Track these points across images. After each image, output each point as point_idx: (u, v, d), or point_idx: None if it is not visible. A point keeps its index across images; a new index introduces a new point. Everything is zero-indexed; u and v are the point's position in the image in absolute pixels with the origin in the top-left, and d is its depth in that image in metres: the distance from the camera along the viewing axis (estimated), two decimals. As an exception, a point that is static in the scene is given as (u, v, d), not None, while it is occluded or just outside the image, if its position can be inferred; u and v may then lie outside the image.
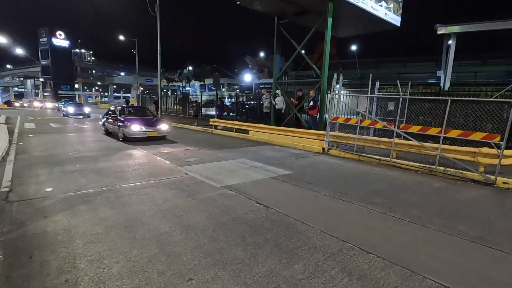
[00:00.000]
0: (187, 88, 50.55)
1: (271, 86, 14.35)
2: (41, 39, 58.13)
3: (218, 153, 8.29)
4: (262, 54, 34.58)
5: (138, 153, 8.06)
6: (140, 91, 39.84)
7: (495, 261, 2.89)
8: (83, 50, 69.29)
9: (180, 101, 24.86)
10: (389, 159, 7.16)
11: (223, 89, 58.32)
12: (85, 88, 73.19)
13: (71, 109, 23.11)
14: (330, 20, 10.09)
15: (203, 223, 3.55)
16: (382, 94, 9.18)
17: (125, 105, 15.45)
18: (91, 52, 72.08)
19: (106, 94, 78.03)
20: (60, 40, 58.86)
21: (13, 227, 3.31)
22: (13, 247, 2.89)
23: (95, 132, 13.10)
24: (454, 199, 4.87)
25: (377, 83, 9.14)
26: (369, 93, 8.55)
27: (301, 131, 10.05)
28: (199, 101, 21.37)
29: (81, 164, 6.54)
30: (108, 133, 12.02)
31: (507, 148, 5.65)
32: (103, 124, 12.44)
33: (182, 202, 4.29)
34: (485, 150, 5.80)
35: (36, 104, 40.93)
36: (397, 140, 7.14)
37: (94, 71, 71.87)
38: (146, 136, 9.97)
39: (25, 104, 43.08)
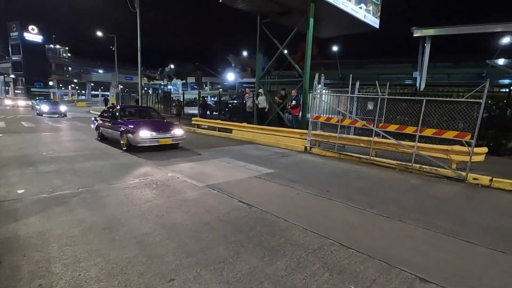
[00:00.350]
0: (169, 87, 49.61)
1: (254, 85, 14.38)
2: (11, 34, 54.95)
3: (201, 152, 8.21)
4: (245, 53, 34.53)
5: (118, 153, 7.83)
6: (119, 89, 38.67)
7: (466, 253, 3.05)
8: (58, 46, 66.26)
9: (162, 100, 24.37)
10: (368, 157, 7.36)
11: (206, 87, 57.74)
12: (61, 85, 70.13)
13: (45, 108, 21.71)
14: (312, 20, 10.24)
15: (185, 223, 3.50)
16: (362, 94, 9.43)
17: (125, 105, 13.97)
18: (67, 48, 69.12)
19: (84, 92, 75.19)
20: (33, 35, 55.95)
21: (-19, 232, 3.12)
22: (-19, 252, 2.73)
23: (73, 132, 12.60)
24: (429, 195, 5.09)
25: (357, 83, 9.39)
26: (349, 93, 8.78)
27: (284, 130, 10.14)
28: (181, 99, 21.04)
29: (57, 165, 6.27)
30: (103, 138, 9.82)
31: (477, 146, 5.96)
32: (97, 128, 10.19)
33: (164, 202, 4.22)
34: (457, 148, 6.10)
35: (8, 102, 38.74)
36: (376, 139, 7.35)
37: (70, 68, 68.92)
38: (157, 144, 7.92)
39: (2, 102, 40.70)
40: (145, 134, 7.69)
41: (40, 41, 57.39)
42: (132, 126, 7.93)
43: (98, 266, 2.54)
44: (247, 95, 13.32)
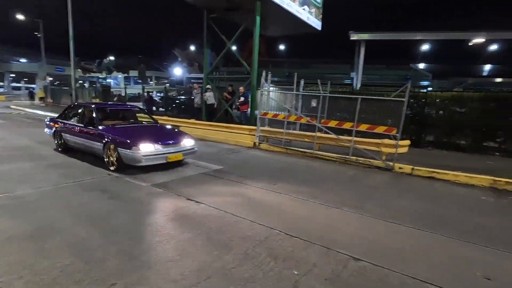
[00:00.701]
0: (109, 80, 45.69)
1: (202, 81, 14.10)
2: None
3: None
4: (192, 48, 33.51)
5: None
6: (48, 81, 34.35)
7: (393, 232, 3.48)
8: (-35, 29, 55.91)
9: (100, 94, 22.39)
10: (312, 151, 7.84)
11: (151, 82, 54.64)
12: (-30, 75, 59.42)
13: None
14: (258, 18, 10.41)
15: (128, 225, 3.32)
16: (306, 92, 9.95)
17: (102, 103, 10.99)
18: (-22, 32, 58.69)
19: (1, 83, 64.89)
20: None
21: None
22: None
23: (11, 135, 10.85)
24: (363, 184, 5.65)
25: (302, 82, 9.88)
26: (294, 90, 9.22)
27: (233, 126, 10.18)
28: (123, 94, 19.60)
29: None
30: (67, 149, 7.05)
31: (402, 139, 6.79)
32: (55, 134, 7.30)
33: (104, 204, 3.93)
34: (386, 141, 6.86)
35: None
36: (318, 134, 7.86)
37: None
38: (164, 162, 5.69)
39: None
40: (148, 147, 5.39)
41: None
42: (126, 136, 5.56)
43: (24, 279, 2.28)
44: (195, 91, 13.01)
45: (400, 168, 6.56)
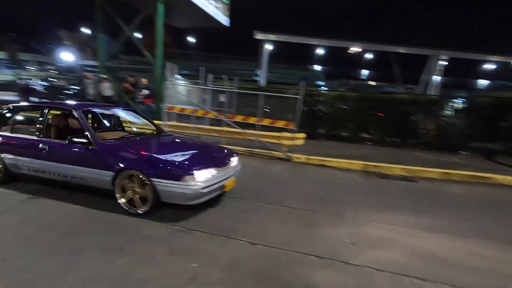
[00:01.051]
0: (-36, 62, 35.28)
1: (101, 70, 12.48)
2: None
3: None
4: (84, 30, 28.93)
5: None
6: None
7: (287, 216, 3.90)
8: None
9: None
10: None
11: (30, 68, 44.91)
12: None
13: None
14: (161, 6, 9.86)
15: (-11, 242, 2.71)
16: (213, 87, 10.02)
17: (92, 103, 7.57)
18: None
19: None
20: None
21: None
22: None
23: None
24: (266, 174, 6.14)
25: (210, 76, 9.89)
26: (203, 85, 9.16)
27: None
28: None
29: None
30: (10, 177, 4.33)
31: (299, 132, 7.63)
32: None
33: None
34: (286, 134, 7.59)
35: None
36: (226, 128, 8.06)
37: None
38: (220, 193, 4.01)
39: None
40: (204, 175, 3.49)
41: None
42: (164, 159, 3.60)
43: None
44: (88, 80, 11.40)
45: (297, 158, 7.37)
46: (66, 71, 32.72)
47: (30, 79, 17.93)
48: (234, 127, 7.98)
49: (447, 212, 4.49)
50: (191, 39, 36.25)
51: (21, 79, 14.64)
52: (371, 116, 10.48)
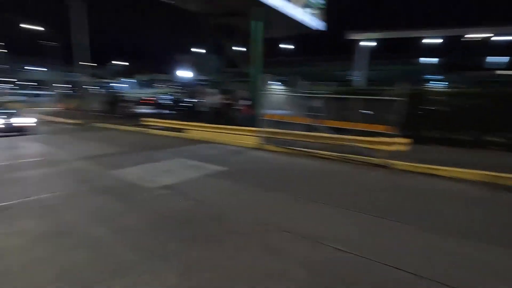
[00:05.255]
0: (118, 85, 46.78)
1: (208, 84, 14.49)
2: None
3: (154, 154, 8.18)
4: (197, 51, 34.13)
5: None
6: (62, 88, 35.45)
7: (376, 225, 3.73)
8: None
9: (109, 99, 23.06)
10: (315, 151, 8.10)
11: (158, 85, 55.58)
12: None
13: None
14: (259, 23, 10.72)
15: (138, 225, 3.67)
16: (309, 93, 10.18)
17: None
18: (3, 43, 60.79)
19: (21, 91, 66.75)
20: None
21: None
22: None
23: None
24: (360, 181, 5.88)
25: (305, 82, 10.12)
26: (297, 91, 9.48)
27: (238, 128, 10.49)
28: (131, 99, 20.18)
29: None
30: None
31: (402, 136, 6.98)
32: None
33: (116, 206, 4.29)
34: (385, 139, 7.06)
35: None
36: (320, 134, 8.11)
37: (4, 66, 60.77)
38: None
39: None
40: None
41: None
42: None
43: (50, 271, 2.64)
44: (201, 94, 13.39)
45: (396, 165, 6.75)
46: (184, 86, 39.08)
47: (160, 95, 22.34)
48: (329, 133, 7.94)
49: None
50: (285, 46, 37.32)
51: (151, 95, 18.42)
52: (499, 115, 8.52)
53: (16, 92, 63.90)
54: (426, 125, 9.73)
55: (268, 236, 3.38)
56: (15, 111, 13.27)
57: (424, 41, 22.83)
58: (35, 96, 62.19)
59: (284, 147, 8.80)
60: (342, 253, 3.02)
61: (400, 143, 7.06)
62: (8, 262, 2.79)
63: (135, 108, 22.55)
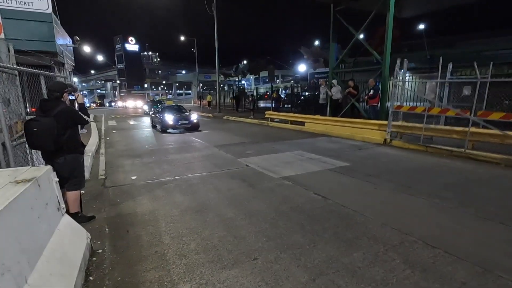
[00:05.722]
0: (242, 82, 51.99)
1: (327, 76, 13.98)
2: (116, 46, 65.85)
3: (275, 145, 8.53)
4: (316, 43, 33.55)
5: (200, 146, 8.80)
6: (200, 87, 42.45)
7: None
8: (150, 53, 76.43)
9: (237, 95, 25.83)
10: (463, 150, 6.49)
11: (278, 80, 58.39)
12: (153, 87, 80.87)
13: (170, 119, 12.07)
14: (392, 0, 9.37)
15: (263, 211, 3.82)
16: (456, 78, 8.22)
17: None
18: (157, 53, 78.99)
19: (170, 91, 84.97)
20: (132, 45, 65.74)
21: (112, 208, 4.06)
22: (113, 223, 3.57)
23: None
24: (545, 196, 4.25)
25: (450, 66, 8.22)
26: (439, 77, 7.79)
27: (360, 121, 9.65)
28: (254, 94, 21.90)
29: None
30: None
31: None
32: None
33: (244, 191, 4.65)
34: None
35: (128, 103, 44.61)
36: (473, 129, 6.42)
37: (159, 71, 78.82)
38: None
39: (117, 104, 48.96)
40: None
41: (137, 49, 67.09)
42: None
43: (196, 241, 3.06)
44: (321, 86, 13.05)
45: None
46: (300, 80, 39.45)
47: (279, 90, 23.36)
48: (487, 127, 6.18)
49: None
50: (419, 26, 31.79)
51: (273, 90, 19.35)
52: None
53: (166, 92, 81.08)
54: None
55: (408, 247, 2.85)
56: (189, 110, 15.06)
57: None
58: (178, 95, 77.13)
59: (418, 144, 7.46)
60: (525, 291, 2.19)
61: None
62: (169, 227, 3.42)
63: (259, 103, 24.47)
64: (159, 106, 16.29)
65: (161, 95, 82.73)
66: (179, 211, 3.87)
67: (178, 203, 4.18)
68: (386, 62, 9.75)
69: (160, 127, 12.70)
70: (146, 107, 25.36)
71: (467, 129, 6.46)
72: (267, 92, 28.91)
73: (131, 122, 18.52)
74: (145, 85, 71.76)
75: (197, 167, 6.21)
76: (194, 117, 12.84)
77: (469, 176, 5.22)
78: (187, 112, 13.68)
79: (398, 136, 8.31)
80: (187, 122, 12.46)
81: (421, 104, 8.21)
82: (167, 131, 12.27)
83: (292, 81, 47.59)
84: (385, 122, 8.45)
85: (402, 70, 8.36)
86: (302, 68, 38.64)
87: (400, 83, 8.21)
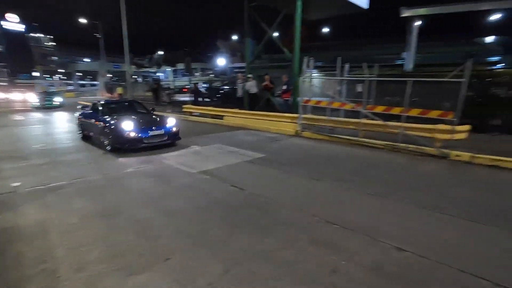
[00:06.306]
0: (158, 74, 48.75)
1: (248, 70, 14.27)
2: (-9, 23, 52.92)
3: (193, 140, 8.29)
4: (234, 38, 33.91)
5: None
6: (107, 78, 37.88)
7: (444, 224, 3.28)
8: (41, 35, 64.04)
9: (152, 88, 24.03)
10: (358, 138, 7.57)
11: (197, 74, 56.88)
12: (46, 76, 68.19)
13: (129, 127, 6.77)
14: (299, 3, 10.13)
15: (181, 208, 3.66)
16: (350, 77, 9.50)
17: None
18: (52, 37, 66.76)
19: (70, 81, 73.23)
20: (13, 23, 53.82)
21: (-19, 223, 3.24)
22: (-16, 242, 2.85)
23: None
24: (414, 173, 5.33)
25: (346, 66, 9.44)
26: (338, 75, 8.88)
27: (275, 114, 10.23)
28: (172, 87, 20.81)
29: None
30: None
31: (460, 124, 6.18)
32: None
33: (159, 189, 4.36)
34: (441, 126, 6.31)
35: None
36: (364, 121, 7.53)
37: (55, 58, 66.90)
38: None
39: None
40: None
41: (22, 30, 55.27)
42: None
43: (98, 250, 2.70)
44: (239, 80, 13.26)
45: (457, 155, 6.02)
46: (220, 74, 39.41)
47: (198, 83, 22.72)
48: (374, 119, 7.34)
49: None
50: (326, 29, 35.58)
51: (191, 83, 18.78)
52: None
53: (65, 83, 69.93)
54: (489, 111, 8.57)
55: (313, 227, 3.15)
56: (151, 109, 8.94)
57: (488, 17, 20.03)
58: (81, 86, 67.34)
59: (325, 135, 8.36)
60: (407, 254, 2.69)
61: (460, 131, 6.27)
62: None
63: (176, 96, 23.33)
64: (99, 103, 8.19)
65: (59, 85, 70.66)
66: (78, 218, 3.36)
67: (77, 209, 3.62)
68: (296, 59, 10.54)
69: (108, 142, 6.85)
70: (36, 100, 20.96)
71: (359, 120, 7.55)
72: (186, 85, 27.87)
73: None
74: (36, 73, 60.00)
75: (104, 167, 5.52)
76: (171, 123, 7.56)
77: (364, 161, 6.13)
78: (153, 115, 8.35)
79: (307, 127, 9.13)
80: (161, 133, 7.11)
81: (327, 99, 9.19)
82: (125, 149, 6.68)
83: (212, 75, 47.06)
84: (296, 115, 9.17)
85: (309, 68, 9.17)
86: (221, 61, 38.62)
87: (307, 80, 9.01)
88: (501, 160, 5.50)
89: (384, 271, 2.40)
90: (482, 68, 9.66)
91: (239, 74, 14.14)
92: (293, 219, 3.33)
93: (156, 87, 22.38)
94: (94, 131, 7.71)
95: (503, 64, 20.85)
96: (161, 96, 22.02)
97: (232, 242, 2.83)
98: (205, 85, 29.34)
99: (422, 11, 15.59)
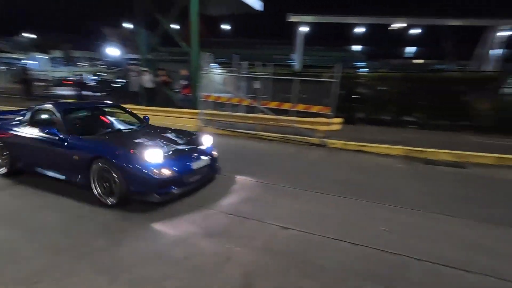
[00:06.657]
0: (27, 62, 39.61)
1: (143, 63, 13.18)
2: None
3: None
4: (126, 26, 30.44)
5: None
6: None
7: (318, 201, 3.89)
8: None
9: (20, 78, 19.43)
10: (256, 132, 8.10)
11: (84, 64, 48.95)
12: None
13: (159, 157, 3.54)
14: (195, -3, 10.02)
15: (53, 220, 3.13)
16: (247, 74, 10.04)
17: None
18: None
19: None
20: None
21: None
22: None
23: None
24: (300, 160, 6.12)
25: (244, 63, 9.90)
26: (236, 72, 9.25)
27: (176, 110, 9.87)
28: (49, 78, 17.33)
29: None
30: None
31: (336, 117, 7.41)
32: None
33: (27, 202, 3.61)
34: (321, 119, 7.42)
35: None
36: (260, 115, 8.11)
37: None
38: None
39: None
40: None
41: None
42: None
43: None
44: (132, 73, 12.12)
45: (333, 144, 7.20)
46: (113, 65, 35.12)
47: (82, 75, 19.53)
48: (268, 114, 7.99)
49: (502, 201, 4.11)
50: (225, 27, 36.32)
51: (74, 75, 16.07)
52: (415, 98, 9.74)
53: None
54: (355, 107, 10.57)
55: (211, 218, 3.22)
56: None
57: (356, 29, 24.67)
58: None
59: (225, 129, 8.60)
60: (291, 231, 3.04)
61: (335, 123, 7.51)
62: None
63: (55, 90, 19.58)
64: (55, 111, 4.13)
65: None
66: None
67: None
68: (193, 54, 10.41)
69: (112, 189, 3.45)
70: None
71: (256, 115, 8.09)
72: (67, 77, 23.62)
73: None
74: None
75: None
76: (207, 140, 4.73)
77: (260, 152, 6.62)
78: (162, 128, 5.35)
79: (209, 123, 9.18)
80: (207, 162, 4.19)
81: (227, 95, 9.44)
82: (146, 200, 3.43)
83: (104, 66, 41.44)
84: (198, 111, 9.09)
85: (209, 63, 9.21)
86: (114, 52, 34.34)
87: (208, 75, 9.04)
88: (365, 146, 6.89)
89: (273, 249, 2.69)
90: (351, 71, 11.76)
91: (132, 67, 12.95)
92: (189, 209, 3.33)
93: (26, 78, 18.22)
94: (54, 164, 4.00)
95: (367, 69, 25.93)
96: (33, 89, 18.08)
97: (121, 248, 2.61)
98: (94, 77, 25.64)
99: (305, 18, 17.81)
